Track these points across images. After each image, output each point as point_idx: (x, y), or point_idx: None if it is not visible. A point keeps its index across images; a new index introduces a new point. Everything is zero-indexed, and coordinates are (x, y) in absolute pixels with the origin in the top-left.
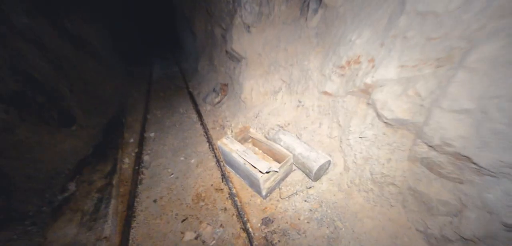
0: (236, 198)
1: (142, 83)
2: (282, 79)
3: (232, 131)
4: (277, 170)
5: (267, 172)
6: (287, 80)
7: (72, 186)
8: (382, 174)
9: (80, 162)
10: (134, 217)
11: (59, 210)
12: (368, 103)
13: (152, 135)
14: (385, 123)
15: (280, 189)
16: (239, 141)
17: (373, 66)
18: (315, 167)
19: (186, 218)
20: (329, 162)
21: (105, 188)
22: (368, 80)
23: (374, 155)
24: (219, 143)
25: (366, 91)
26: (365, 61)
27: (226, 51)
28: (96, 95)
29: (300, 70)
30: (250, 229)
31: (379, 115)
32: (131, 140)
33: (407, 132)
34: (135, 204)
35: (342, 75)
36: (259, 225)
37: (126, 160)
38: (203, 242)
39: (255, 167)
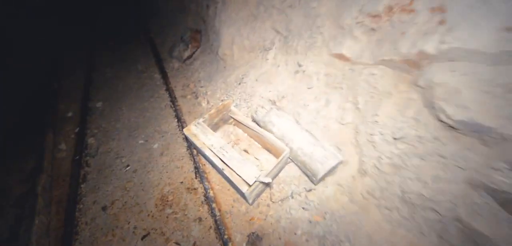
0: (213, 205)
1: (83, 28)
2: (275, 29)
3: (208, 102)
4: (269, 181)
5: (255, 182)
6: (282, 31)
7: None
8: (421, 195)
9: None
10: (77, 234)
11: None
12: (417, 86)
13: (99, 105)
14: (444, 123)
15: (271, 188)
16: (216, 124)
17: (441, 23)
18: (321, 171)
19: (148, 234)
20: (340, 162)
21: (26, 199)
22: (429, 46)
23: (413, 166)
24: (186, 132)
25: (416, 65)
26: (424, 11)
27: None
28: (8, 51)
29: (303, 15)
30: None
31: (434, 109)
32: (69, 114)
33: (481, 144)
34: (77, 213)
35: (374, 30)
36: (244, 245)
37: (63, 145)
38: None
39: (238, 175)
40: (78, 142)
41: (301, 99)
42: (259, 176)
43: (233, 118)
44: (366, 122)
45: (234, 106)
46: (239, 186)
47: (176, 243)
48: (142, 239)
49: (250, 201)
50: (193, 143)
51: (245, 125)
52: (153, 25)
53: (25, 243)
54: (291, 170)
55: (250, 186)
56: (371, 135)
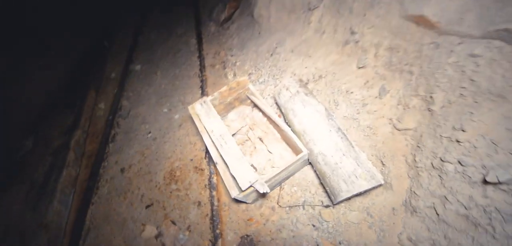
0: (214, 193)
1: None
2: None
3: (235, 74)
4: (266, 191)
5: (249, 188)
6: None
7: (29, 143)
8: None
9: (44, 108)
10: (97, 189)
11: (11, 176)
12: None
13: (138, 67)
14: None
15: (281, 187)
16: (230, 104)
17: None
18: (342, 193)
19: (152, 204)
20: (378, 186)
21: (60, 151)
22: None
23: (505, 237)
24: (190, 111)
25: None
26: None
27: None
28: (73, 10)
29: None
30: None
31: None
32: (113, 75)
33: None
34: (101, 170)
35: None
36: None
37: (102, 105)
38: (163, 245)
39: (232, 175)
40: (114, 103)
41: (345, 83)
42: (256, 181)
43: (250, 99)
44: (439, 136)
45: (261, 82)
46: (229, 188)
47: (172, 221)
48: (146, 207)
49: (250, 201)
50: (197, 125)
51: (261, 109)
52: None
53: (52, 191)
54: (311, 173)
55: (242, 191)
56: (443, 159)
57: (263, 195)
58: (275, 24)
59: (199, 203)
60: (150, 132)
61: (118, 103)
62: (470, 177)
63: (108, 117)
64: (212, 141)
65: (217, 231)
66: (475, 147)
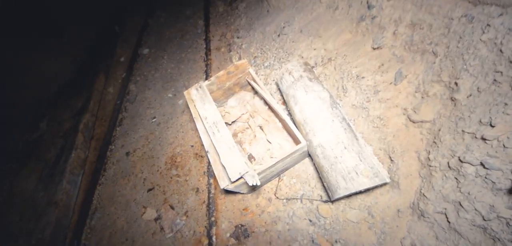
0: (212, 181)
1: None
2: None
3: (240, 57)
4: (256, 184)
5: (237, 180)
6: None
7: (43, 125)
8: None
9: (57, 91)
10: (104, 171)
11: (25, 155)
12: None
13: (146, 51)
14: None
15: (280, 179)
16: (229, 89)
17: None
18: (340, 191)
19: (153, 188)
20: (382, 185)
21: (70, 132)
22: None
23: None
24: (186, 96)
25: None
26: None
27: None
28: None
29: None
30: (214, 239)
31: None
32: (122, 59)
33: None
34: (108, 153)
35: None
36: (227, 235)
37: (111, 89)
38: (161, 229)
39: (222, 164)
40: (122, 87)
41: (356, 67)
42: (246, 172)
43: (250, 85)
44: (460, 131)
45: (266, 66)
46: (218, 178)
47: (171, 206)
48: (148, 191)
49: (245, 191)
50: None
51: (260, 96)
52: None
53: (61, 171)
54: (312, 165)
55: (232, 182)
56: (462, 159)
57: (254, 187)
58: (284, 1)
59: (197, 189)
60: (154, 117)
61: (126, 88)
62: (493, 183)
63: (116, 102)
64: (205, 128)
65: (212, 218)
66: (504, 146)
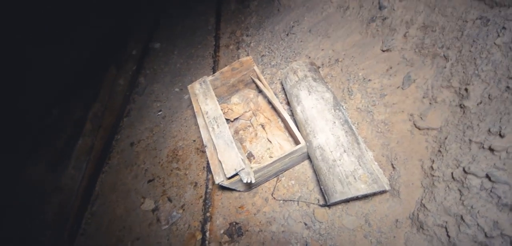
0: (210, 176)
1: None
2: None
3: (247, 54)
4: (250, 181)
5: (232, 177)
6: None
7: (55, 112)
8: None
9: (70, 81)
10: (109, 159)
11: (37, 141)
12: None
13: (157, 46)
14: None
15: (278, 179)
16: (233, 86)
17: None
18: (336, 195)
19: (153, 179)
20: (382, 192)
21: (80, 121)
22: None
23: None
24: (190, 90)
25: None
26: None
27: None
28: None
29: None
30: (208, 234)
31: None
32: (134, 52)
33: None
34: (114, 142)
35: None
36: (221, 232)
37: (121, 80)
38: (157, 220)
39: (218, 159)
40: (132, 80)
41: (363, 69)
42: (242, 169)
43: (255, 83)
44: (467, 140)
45: (273, 65)
46: (214, 173)
47: (169, 198)
48: (148, 182)
49: (242, 189)
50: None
51: (264, 94)
52: None
53: (68, 156)
54: (311, 167)
55: (227, 178)
56: (467, 170)
57: (249, 185)
58: (296, 1)
59: (196, 184)
60: (160, 110)
61: (136, 80)
62: (499, 198)
63: (125, 93)
64: (206, 123)
65: (208, 214)
66: None
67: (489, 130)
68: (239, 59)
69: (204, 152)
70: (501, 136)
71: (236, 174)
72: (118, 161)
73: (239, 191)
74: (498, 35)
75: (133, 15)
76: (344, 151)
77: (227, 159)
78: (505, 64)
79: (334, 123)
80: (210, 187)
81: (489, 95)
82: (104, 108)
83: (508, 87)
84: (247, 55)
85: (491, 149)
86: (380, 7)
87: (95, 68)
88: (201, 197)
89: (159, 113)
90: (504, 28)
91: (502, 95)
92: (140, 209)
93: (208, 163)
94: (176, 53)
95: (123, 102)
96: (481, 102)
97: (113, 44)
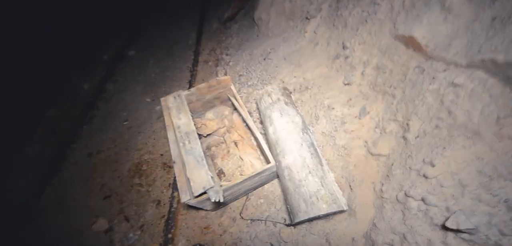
0: (175, 194)
1: None
2: None
3: (226, 73)
4: (219, 200)
5: (200, 195)
6: None
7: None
8: None
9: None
10: (60, 171)
11: None
12: None
13: (132, 53)
14: None
15: (247, 198)
16: (208, 102)
17: None
18: (300, 214)
19: (110, 196)
20: (341, 212)
21: (32, 124)
22: None
23: None
24: (162, 103)
25: None
26: None
27: None
28: None
29: None
30: None
31: None
32: (105, 57)
33: None
34: (68, 152)
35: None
36: None
37: (86, 85)
38: (111, 242)
39: (187, 177)
40: (99, 85)
41: (328, 98)
42: (211, 188)
43: (231, 101)
44: (408, 167)
45: (250, 85)
46: (180, 191)
47: (126, 217)
48: (103, 198)
49: (209, 208)
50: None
51: (238, 112)
52: None
53: (15, 164)
54: (280, 187)
55: (194, 197)
56: (408, 193)
57: (218, 204)
58: (273, 29)
59: (159, 202)
60: (127, 120)
61: (103, 86)
62: (431, 218)
63: (89, 99)
64: (176, 138)
65: (169, 235)
66: (441, 185)
67: (423, 160)
68: (217, 78)
69: (171, 167)
70: (432, 165)
71: (204, 192)
72: (71, 173)
73: (207, 210)
74: (430, 83)
75: (111, 19)
76: (309, 172)
77: (196, 176)
78: (435, 106)
79: (302, 144)
80: (174, 205)
81: (424, 130)
82: (60, 113)
83: (437, 125)
84: (225, 73)
85: (425, 176)
86: (344, 47)
87: (56, 70)
88: (163, 216)
89: (125, 123)
90: (434, 78)
91: (433, 131)
92: (91, 230)
93: (175, 180)
94: (152, 62)
95: (85, 108)
96: (418, 136)
97: (83, 46)
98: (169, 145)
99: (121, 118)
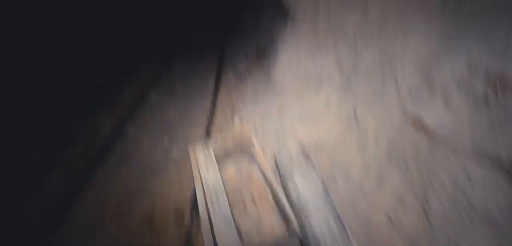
0: None
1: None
2: (338, 62)
3: (241, 120)
4: None
5: None
6: (345, 67)
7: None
8: None
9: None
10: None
11: None
12: None
13: (153, 93)
14: None
15: None
16: (227, 152)
17: None
18: None
19: None
20: None
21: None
22: None
23: None
24: (191, 153)
25: None
26: None
27: None
28: None
29: (378, 52)
30: None
31: None
32: (128, 98)
33: None
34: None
35: (487, 103)
36: None
37: (106, 126)
38: None
39: (214, 242)
40: (118, 127)
41: (344, 159)
42: None
43: (252, 154)
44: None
45: (265, 137)
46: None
47: None
48: None
49: None
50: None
51: (259, 167)
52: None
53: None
54: None
55: None
56: None
57: None
58: (288, 88)
59: None
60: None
61: (122, 128)
62: None
63: (107, 140)
64: (204, 195)
65: None
66: None
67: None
68: (240, 129)
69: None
70: None
71: None
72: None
73: None
74: (444, 162)
75: (131, 60)
76: (336, 240)
77: (225, 242)
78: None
79: (325, 207)
80: None
81: (441, 210)
82: (81, 153)
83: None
84: (241, 120)
85: None
86: (356, 117)
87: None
88: None
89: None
90: (449, 158)
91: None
92: None
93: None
94: (171, 106)
95: (102, 148)
96: (441, 215)
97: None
98: (190, 195)
99: (137, 158)
